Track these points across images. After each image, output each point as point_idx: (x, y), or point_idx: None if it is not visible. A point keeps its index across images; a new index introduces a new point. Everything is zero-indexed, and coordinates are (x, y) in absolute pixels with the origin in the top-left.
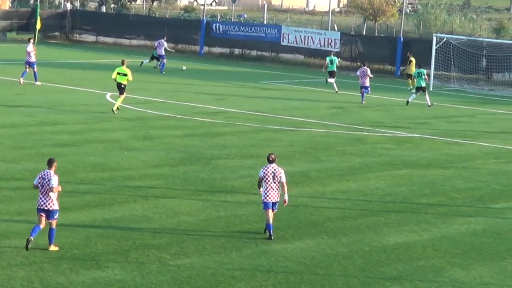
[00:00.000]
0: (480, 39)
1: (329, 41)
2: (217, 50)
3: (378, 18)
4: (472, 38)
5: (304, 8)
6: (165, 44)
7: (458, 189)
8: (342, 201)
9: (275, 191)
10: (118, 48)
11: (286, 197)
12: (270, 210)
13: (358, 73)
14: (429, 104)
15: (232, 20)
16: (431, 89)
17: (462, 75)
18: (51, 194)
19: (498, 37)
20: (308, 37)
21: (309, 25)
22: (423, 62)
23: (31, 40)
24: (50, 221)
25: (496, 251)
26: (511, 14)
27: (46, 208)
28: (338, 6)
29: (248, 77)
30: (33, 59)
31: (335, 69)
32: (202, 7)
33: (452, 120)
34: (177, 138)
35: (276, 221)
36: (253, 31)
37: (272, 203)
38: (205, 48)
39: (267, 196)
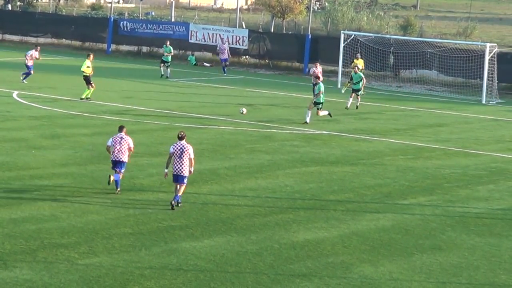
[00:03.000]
0: (387, 36)
1: (237, 39)
2: (124, 48)
3: (286, 16)
4: (379, 35)
5: (212, 6)
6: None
7: (367, 186)
8: (251, 198)
9: (184, 166)
10: (24, 46)
11: (191, 169)
12: (178, 184)
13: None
14: None
15: (140, 18)
16: (339, 86)
17: (370, 72)
18: (126, 151)
19: (405, 34)
20: (216, 34)
21: (217, 22)
22: (331, 60)
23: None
24: (118, 170)
25: (404, 247)
26: (418, 11)
27: (120, 160)
28: (246, 3)
29: (156, 75)
30: (30, 63)
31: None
32: (109, 5)
33: (361, 117)
34: (85, 137)
35: (185, 219)
36: (161, 29)
37: (178, 176)
38: (113, 46)
39: (175, 169)
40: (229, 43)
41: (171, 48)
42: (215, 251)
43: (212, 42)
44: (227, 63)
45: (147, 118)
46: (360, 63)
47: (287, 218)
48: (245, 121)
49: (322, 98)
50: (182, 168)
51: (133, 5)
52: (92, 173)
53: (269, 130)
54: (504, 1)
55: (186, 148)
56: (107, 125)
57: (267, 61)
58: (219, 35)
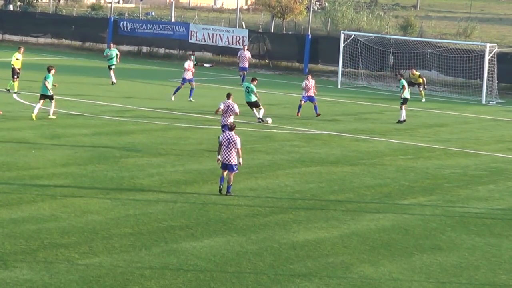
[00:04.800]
0: (387, 36)
1: (237, 39)
2: (124, 48)
3: (286, 16)
4: (379, 35)
5: (212, 6)
6: (248, 54)
7: (367, 186)
8: (251, 198)
9: (231, 155)
10: (24, 46)
11: (240, 160)
12: (225, 171)
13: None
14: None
15: (140, 18)
16: (339, 86)
17: (370, 72)
18: (232, 115)
19: (405, 34)
20: (216, 34)
21: (217, 22)
22: (331, 60)
23: (192, 57)
24: (225, 130)
25: (404, 247)
26: (418, 12)
27: (227, 123)
28: (246, 3)
29: (156, 75)
30: (189, 75)
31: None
32: (109, 5)
33: (361, 117)
34: (85, 137)
35: (185, 219)
36: (161, 29)
37: (227, 164)
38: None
39: (224, 158)
40: (230, 43)
41: (116, 50)
42: (215, 251)
43: (212, 42)
44: (246, 72)
45: (147, 118)
46: (416, 76)
47: (287, 218)
48: (245, 121)
49: (406, 93)
50: (230, 157)
51: (133, 5)
52: (92, 173)
53: (269, 130)
54: (504, 1)
55: (233, 139)
56: (107, 125)
57: (267, 61)
58: (219, 35)
